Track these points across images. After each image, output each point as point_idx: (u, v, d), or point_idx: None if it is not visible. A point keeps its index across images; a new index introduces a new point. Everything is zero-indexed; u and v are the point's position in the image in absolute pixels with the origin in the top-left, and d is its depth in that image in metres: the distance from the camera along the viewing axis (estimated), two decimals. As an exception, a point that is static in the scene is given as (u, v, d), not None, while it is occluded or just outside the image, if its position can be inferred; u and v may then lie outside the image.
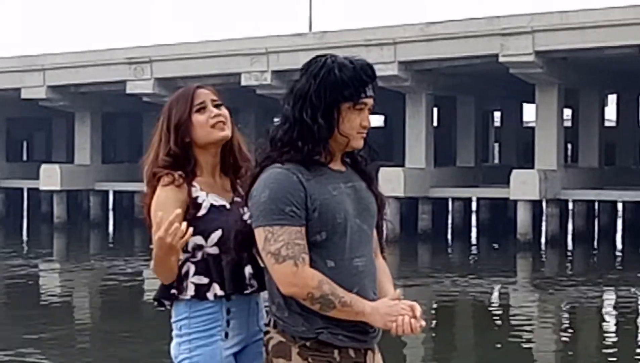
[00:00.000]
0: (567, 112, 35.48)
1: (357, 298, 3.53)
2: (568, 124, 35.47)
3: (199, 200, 3.79)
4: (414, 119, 31.77)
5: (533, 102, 31.29)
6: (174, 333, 3.86)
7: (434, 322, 16.26)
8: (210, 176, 3.88)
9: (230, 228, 3.75)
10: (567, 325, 16.89)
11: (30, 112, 41.37)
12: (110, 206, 40.73)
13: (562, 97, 30.00)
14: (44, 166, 38.13)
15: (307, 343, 3.56)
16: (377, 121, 48.01)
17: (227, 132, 3.87)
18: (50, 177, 37.09)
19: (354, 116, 3.59)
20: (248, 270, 3.79)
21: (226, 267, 3.78)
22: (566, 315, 17.88)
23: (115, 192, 39.55)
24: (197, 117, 3.83)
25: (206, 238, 3.77)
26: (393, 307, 3.53)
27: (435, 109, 35.85)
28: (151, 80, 34.13)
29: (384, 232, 3.86)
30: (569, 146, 39.68)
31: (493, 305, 19.44)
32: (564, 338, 15.42)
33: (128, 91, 34.77)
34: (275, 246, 3.50)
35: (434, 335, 15.00)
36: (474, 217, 35.80)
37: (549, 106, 29.72)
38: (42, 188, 37.82)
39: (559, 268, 25.92)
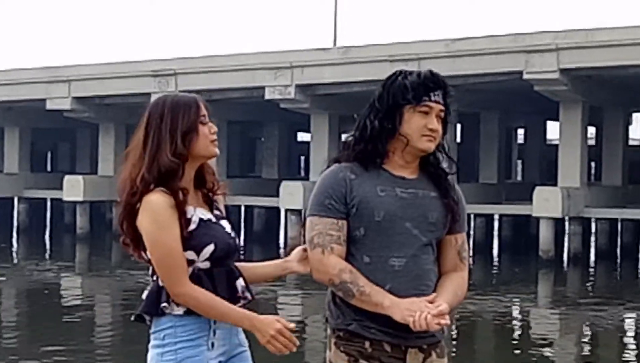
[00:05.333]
0: (591, 130, 35.32)
1: (380, 290, 3.69)
2: (592, 142, 35.32)
3: (188, 215, 3.71)
4: (437, 135, 31.66)
5: (557, 119, 31.19)
6: (153, 343, 3.75)
7: (454, 341, 16.19)
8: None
9: (220, 241, 3.73)
10: (587, 345, 16.79)
11: (55, 123, 41.57)
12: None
13: (587, 115, 29.88)
14: (67, 177, 38.29)
15: (341, 334, 3.78)
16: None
17: (218, 150, 3.86)
18: (73, 188, 37.26)
19: (418, 118, 3.80)
20: (240, 282, 3.79)
21: (220, 280, 3.73)
22: (587, 334, 17.77)
23: (138, 204, 39.55)
24: (202, 129, 3.83)
25: (198, 253, 3.70)
26: (415, 304, 3.64)
27: (458, 126, 35.77)
28: (175, 92, 34.18)
29: (458, 246, 3.89)
30: (593, 164, 39.49)
31: (513, 322, 19.36)
32: (584, 358, 15.33)
33: (152, 103, 34.82)
34: (310, 234, 3.80)
35: (453, 350, 14.94)
36: (495, 234, 35.68)
37: (573, 123, 29.60)
38: (65, 198, 37.98)
39: (580, 286, 25.79)
